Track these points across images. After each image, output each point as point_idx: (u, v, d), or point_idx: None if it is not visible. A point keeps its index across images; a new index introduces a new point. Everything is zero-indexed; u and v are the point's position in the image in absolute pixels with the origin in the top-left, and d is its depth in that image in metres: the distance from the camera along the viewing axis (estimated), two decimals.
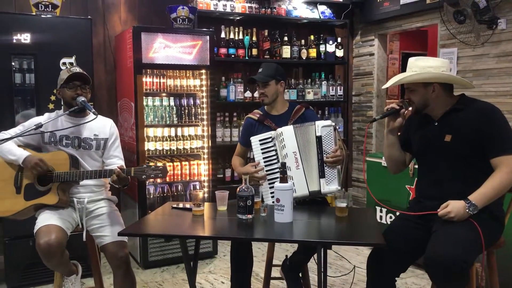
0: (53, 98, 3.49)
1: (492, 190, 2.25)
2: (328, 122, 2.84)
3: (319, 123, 2.81)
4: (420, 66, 2.41)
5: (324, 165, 2.78)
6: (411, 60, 2.49)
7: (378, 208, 4.28)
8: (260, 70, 3.09)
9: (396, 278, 2.53)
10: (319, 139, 2.79)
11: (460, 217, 2.22)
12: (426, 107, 2.44)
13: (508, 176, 2.24)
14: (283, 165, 2.52)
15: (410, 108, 2.50)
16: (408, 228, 2.46)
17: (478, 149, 2.31)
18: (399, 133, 2.67)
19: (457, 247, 2.11)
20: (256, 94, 4.83)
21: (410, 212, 2.49)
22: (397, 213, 2.94)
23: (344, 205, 2.55)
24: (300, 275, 3.07)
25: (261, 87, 3.05)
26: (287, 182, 2.46)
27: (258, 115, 3.12)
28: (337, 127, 2.91)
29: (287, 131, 2.83)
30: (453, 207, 2.23)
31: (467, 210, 2.22)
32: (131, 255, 4.21)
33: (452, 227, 2.22)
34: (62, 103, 2.86)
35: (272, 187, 2.69)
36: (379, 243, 2.18)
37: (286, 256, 3.10)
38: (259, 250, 4.27)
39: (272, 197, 2.75)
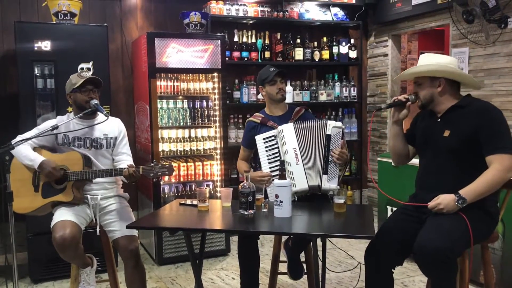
0: (70, 101, 3.74)
1: (483, 186, 2.37)
2: (339, 124, 3.05)
3: (331, 123, 3.01)
4: (429, 61, 2.60)
5: (329, 162, 2.95)
6: (423, 55, 2.69)
7: (389, 207, 4.40)
8: (272, 68, 3.24)
9: (393, 270, 2.67)
10: (328, 137, 2.98)
11: (450, 210, 2.36)
12: (431, 102, 2.59)
13: (499, 174, 2.36)
14: (282, 163, 2.71)
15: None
16: (403, 221, 2.60)
17: (474, 146, 2.44)
18: (406, 129, 2.83)
19: (443, 237, 2.25)
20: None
21: (401, 201, 2.63)
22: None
23: (341, 201, 2.71)
24: (305, 270, 3.23)
25: (280, 83, 3.23)
26: (285, 179, 2.64)
27: (260, 118, 3.30)
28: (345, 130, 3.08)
29: (287, 128, 3.01)
30: (443, 199, 2.38)
31: (456, 203, 2.35)
32: (147, 252, 4.46)
33: (441, 219, 2.36)
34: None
35: None
36: (369, 236, 2.33)
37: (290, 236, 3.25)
38: (271, 249, 4.43)
39: None
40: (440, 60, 2.59)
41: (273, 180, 3.01)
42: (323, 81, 5.41)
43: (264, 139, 3.09)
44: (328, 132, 2.98)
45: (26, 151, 2.85)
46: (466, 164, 2.48)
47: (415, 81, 2.65)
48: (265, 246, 4.59)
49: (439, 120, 2.60)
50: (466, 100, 2.57)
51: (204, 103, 4.44)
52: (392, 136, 2.78)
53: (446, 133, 2.52)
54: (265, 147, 3.08)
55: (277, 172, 3.02)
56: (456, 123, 2.51)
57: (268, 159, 3.06)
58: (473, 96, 2.62)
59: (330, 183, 2.95)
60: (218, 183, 4.45)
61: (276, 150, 3.05)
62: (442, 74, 2.54)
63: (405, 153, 2.80)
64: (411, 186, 2.77)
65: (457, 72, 2.57)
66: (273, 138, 3.07)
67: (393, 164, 2.91)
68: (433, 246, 2.22)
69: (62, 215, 2.77)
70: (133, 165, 2.83)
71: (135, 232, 2.86)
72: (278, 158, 3.03)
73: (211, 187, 4.48)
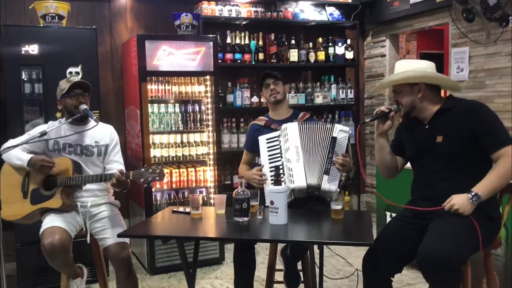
0: (60, 107, 3.78)
1: (495, 179, 2.40)
2: (347, 128, 3.12)
3: (338, 126, 3.10)
4: (406, 67, 2.63)
5: (331, 164, 3.00)
6: (398, 62, 2.73)
7: (388, 213, 4.43)
8: (267, 71, 3.39)
9: (392, 278, 2.70)
10: (333, 139, 3.05)
11: (465, 209, 2.36)
12: (413, 109, 2.62)
13: (509, 165, 2.38)
14: (277, 168, 2.75)
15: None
16: (402, 228, 2.63)
17: (471, 147, 2.47)
18: (392, 139, 2.85)
19: (448, 244, 2.26)
20: (263, 99, 5.06)
21: (412, 207, 2.61)
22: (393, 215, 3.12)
23: (339, 207, 2.73)
24: (302, 278, 3.26)
25: (273, 84, 3.33)
26: (280, 185, 2.67)
27: (264, 121, 3.40)
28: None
29: (292, 126, 3.11)
30: (457, 199, 2.39)
31: (470, 201, 2.36)
32: (139, 261, 4.48)
33: (445, 225, 2.37)
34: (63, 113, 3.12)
35: None
36: (367, 243, 2.36)
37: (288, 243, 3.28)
38: (266, 257, 4.46)
39: None
40: (417, 65, 2.63)
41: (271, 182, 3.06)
42: (319, 83, 5.45)
43: (267, 139, 3.17)
44: (334, 135, 3.05)
45: (16, 153, 2.89)
46: (464, 168, 2.51)
47: (394, 89, 2.68)
48: (260, 254, 4.61)
49: (427, 127, 2.62)
50: (451, 102, 2.60)
51: (197, 107, 4.47)
52: (378, 149, 2.80)
53: (439, 139, 2.54)
54: (267, 148, 3.15)
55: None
56: (447, 127, 2.54)
57: (269, 160, 3.12)
58: (471, 98, 2.66)
59: (330, 185, 2.98)
60: (212, 190, 4.48)
61: (278, 151, 3.11)
62: (421, 79, 2.57)
63: (394, 166, 2.82)
64: (409, 191, 2.79)
65: (436, 76, 2.61)
66: (276, 139, 3.15)
67: (384, 178, 2.90)
68: (438, 254, 2.23)
69: (51, 221, 2.81)
70: (124, 170, 2.86)
71: (127, 240, 2.89)
72: (278, 159, 3.08)
73: (204, 193, 4.50)
